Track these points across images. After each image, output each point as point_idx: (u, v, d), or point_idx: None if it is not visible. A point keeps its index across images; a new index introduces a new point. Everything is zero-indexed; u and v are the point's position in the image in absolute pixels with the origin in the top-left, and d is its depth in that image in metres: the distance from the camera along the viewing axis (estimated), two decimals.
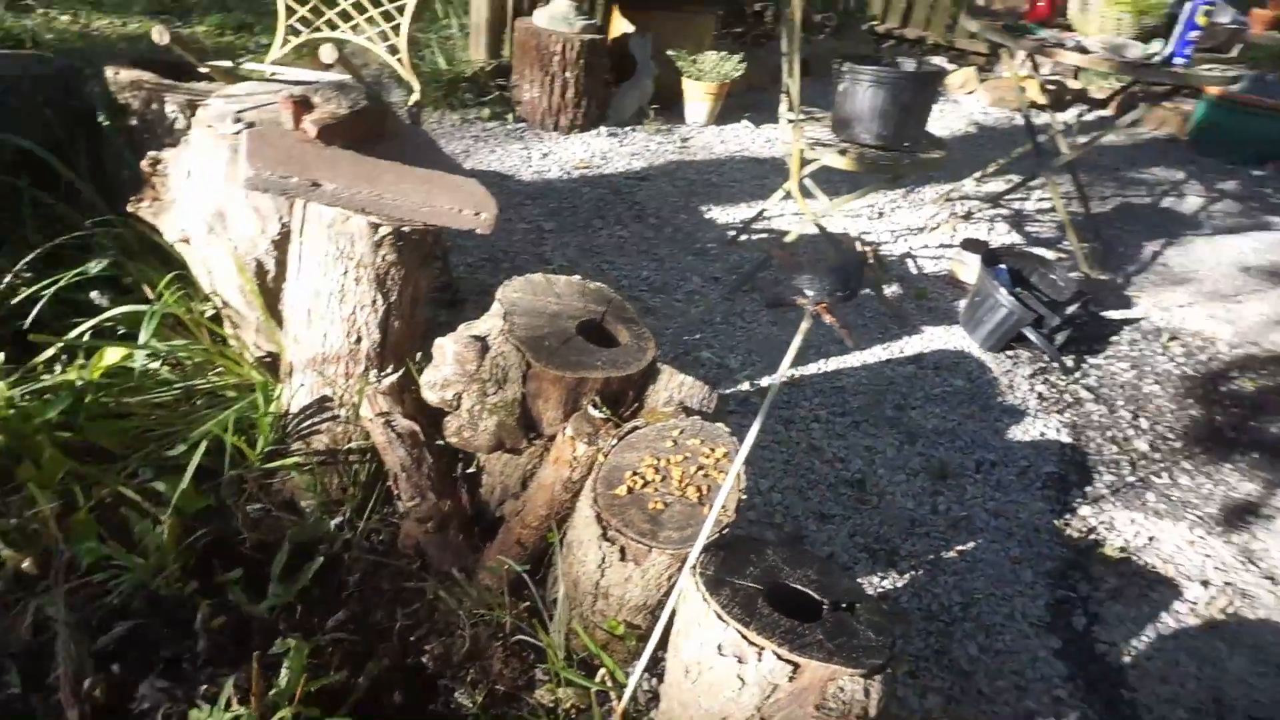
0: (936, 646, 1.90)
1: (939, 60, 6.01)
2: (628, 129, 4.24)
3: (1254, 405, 2.92)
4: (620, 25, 4.34)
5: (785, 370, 1.38)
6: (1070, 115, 5.61)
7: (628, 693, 1.55)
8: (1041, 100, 5.53)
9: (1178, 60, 2.93)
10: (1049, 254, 3.58)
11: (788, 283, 1.32)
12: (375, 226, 1.71)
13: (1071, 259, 3.57)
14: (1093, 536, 2.27)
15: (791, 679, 1.21)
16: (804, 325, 1.33)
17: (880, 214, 3.85)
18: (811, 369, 2.75)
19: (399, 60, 2.55)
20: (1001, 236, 3.80)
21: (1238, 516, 2.42)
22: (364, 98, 1.84)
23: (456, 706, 1.64)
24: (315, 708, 1.46)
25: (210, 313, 2.10)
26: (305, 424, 1.90)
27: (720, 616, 1.25)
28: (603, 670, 1.63)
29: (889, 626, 1.34)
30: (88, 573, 1.62)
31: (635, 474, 1.51)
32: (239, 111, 1.94)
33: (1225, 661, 1.98)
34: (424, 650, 1.72)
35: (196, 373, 2.05)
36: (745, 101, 4.83)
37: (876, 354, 2.88)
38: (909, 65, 2.84)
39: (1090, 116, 5.65)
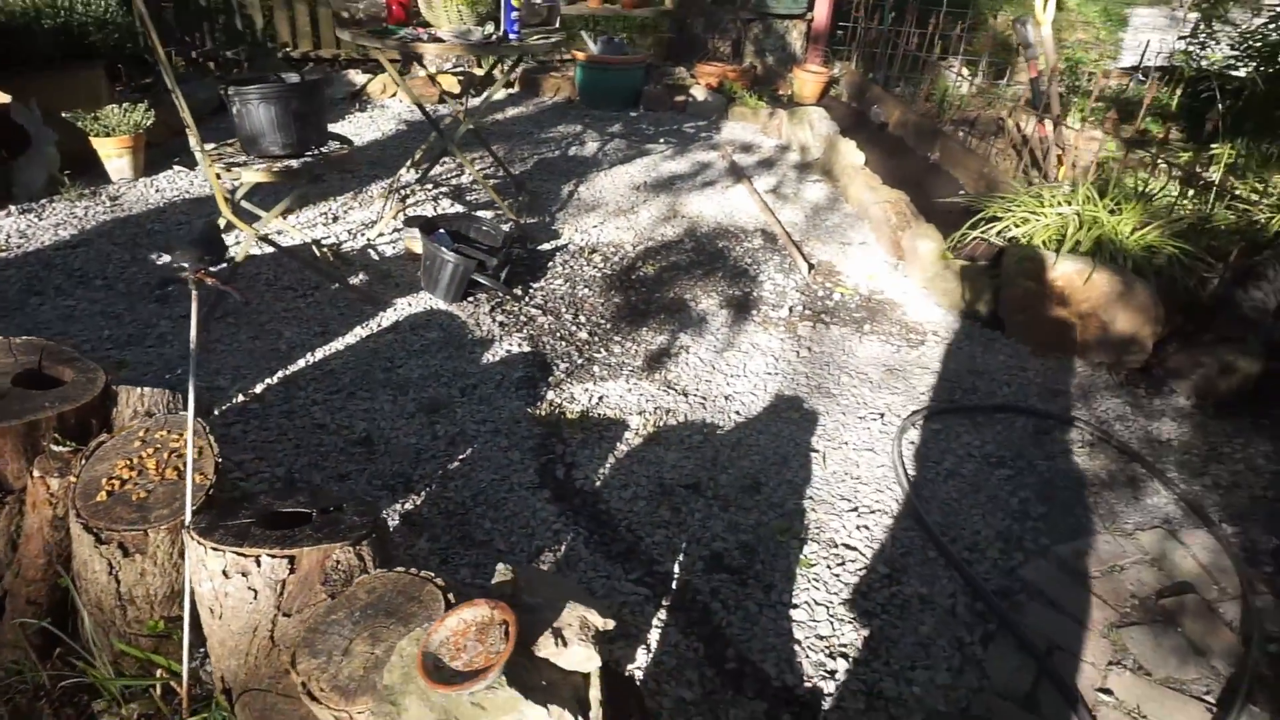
0: (459, 534, 2.30)
1: (356, 72, 6.41)
2: (43, 202, 3.96)
3: (655, 282, 3.79)
4: None
5: (194, 338, 1.59)
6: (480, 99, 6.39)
7: (185, 673, 1.69)
8: (455, 90, 6.24)
9: (511, 36, 3.62)
10: (484, 213, 4.19)
11: (169, 265, 1.55)
12: None
13: (500, 213, 4.20)
14: (559, 411, 2.85)
15: (293, 570, 1.48)
16: (194, 295, 1.55)
17: (335, 218, 4.14)
18: (300, 364, 2.96)
19: None
20: (447, 209, 4.32)
21: (656, 361, 3.19)
22: None
23: None
24: None
25: None
26: None
27: (215, 549, 1.46)
28: (160, 670, 1.74)
29: (373, 509, 1.66)
30: None
31: (111, 479, 1.64)
32: None
33: (663, 458, 2.67)
34: None
35: None
36: (173, 147, 4.76)
37: (358, 334, 3.18)
38: (293, 77, 3.14)
39: (501, 95, 6.50)
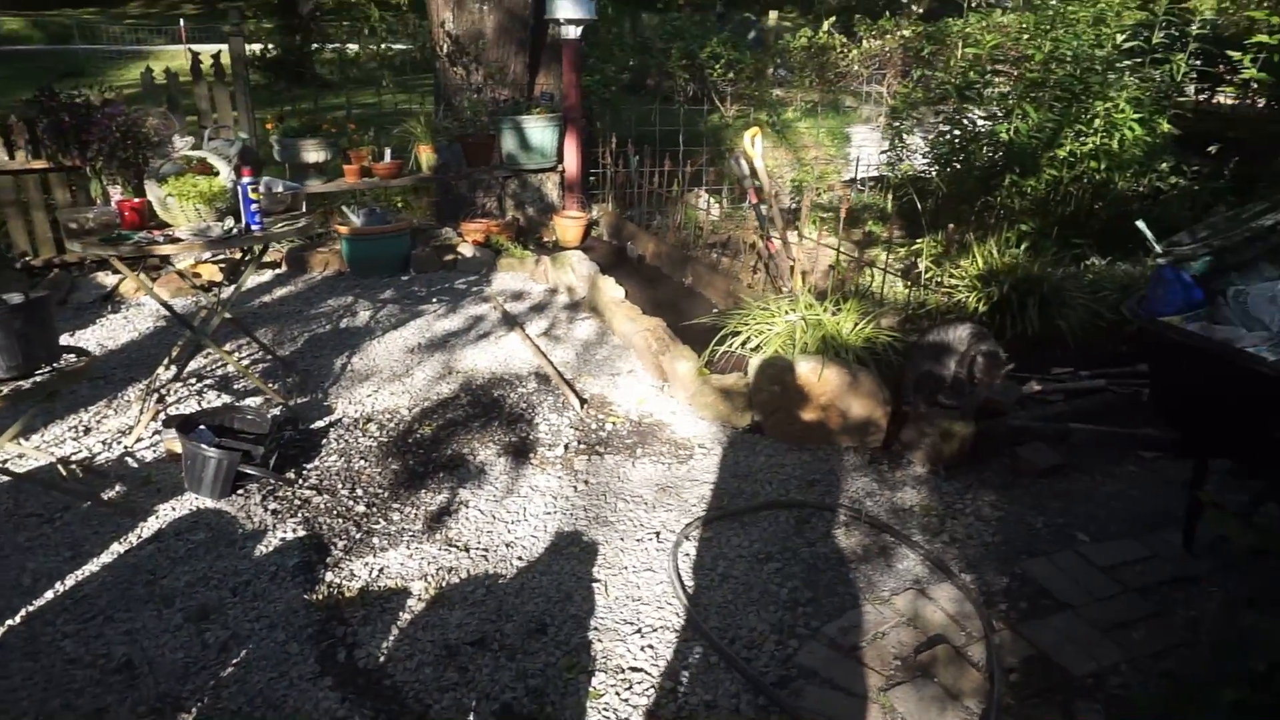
0: None
1: (106, 274, 6.20)
2: None
3: (433, 442, 3.86)
4: None
5: None
6: (232, 289, 6.35)
7: None
8: (218, 278, 6.17)
9: (254, 227, 3.71)
10: (251, 400, 4.13)
11: None
12: None
13: (267, 400, 4.16)
14: (338, 592, 2.81)
15: None
16: None
17: (87, 429, 3.94)
18: (48, 596, 2.77)
19: None
20: (212, 401, 4.21)
21: (436, 521, 3.23)
22: None
23: None
24: None
25: None
26: None
27: None
28: None
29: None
30: None
31: None
32: None
33: (447, 619, 2.69)
34: None
35: None
36: None
37: (115, 551, 3.02)
38: (16, 298, 3.05)
39: (268, 276, 6.47)
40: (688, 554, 3.06)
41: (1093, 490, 3.52)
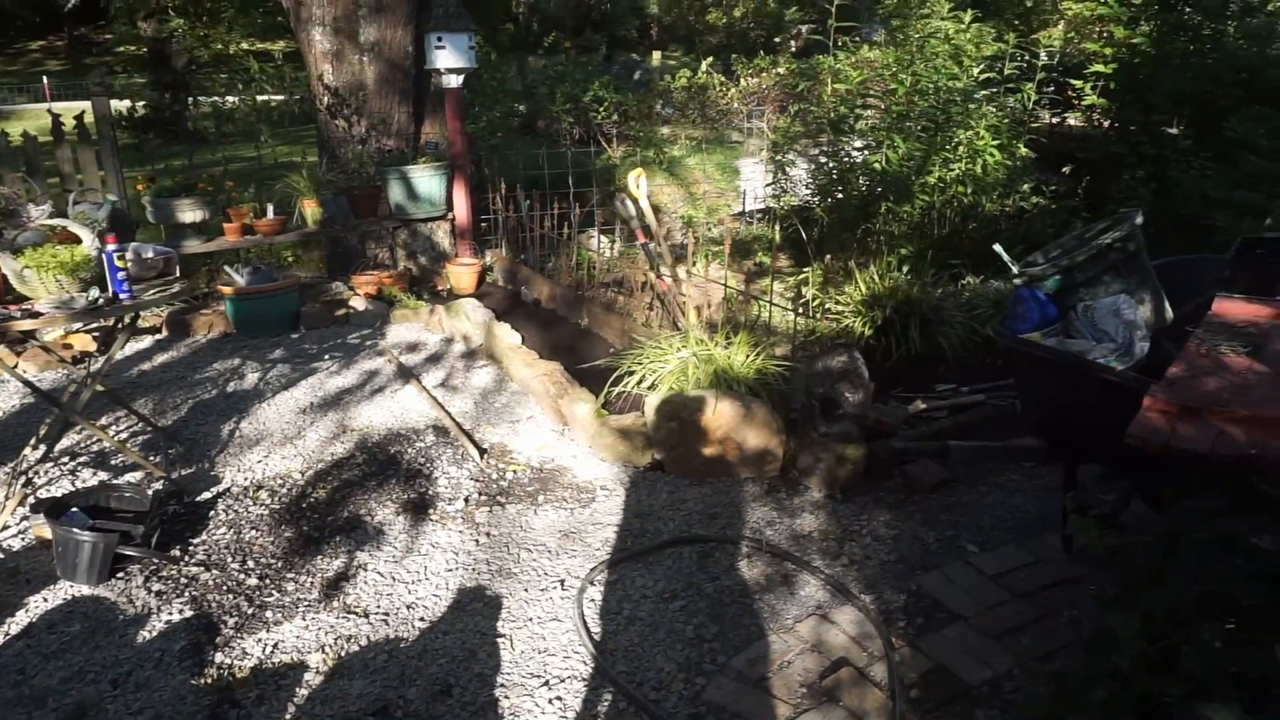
0: None
1: None
2: None
3: (328, 505, 3.75)
4: None
5: None
6: (102, 361, 6.07)
7: None
8: (91, 347, 5.87)
9: (122, 296, 3.56)
10: (130, 476, 3.94)
11: None
12: None
13: (146, 475, 3.97)
14: (229, 674, 2.69)
15: None
16: None
17: None
18: None
19: None
20: (89, 480, 3.99)
21: (334, 588, 3.13)
22: None
23: None
24: None
25: None
26: None
27: None
28: None
29: None
30: None
31: None
32: None
33: (347, 690, 2.60)
34: None
35: None
36: None
37: None
38: None
39: (148, 342, 6.19)
40: (593, 599, 3.05)
41: (978, 501, 3.67)
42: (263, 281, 6.31)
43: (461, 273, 7.01)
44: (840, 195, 7.04)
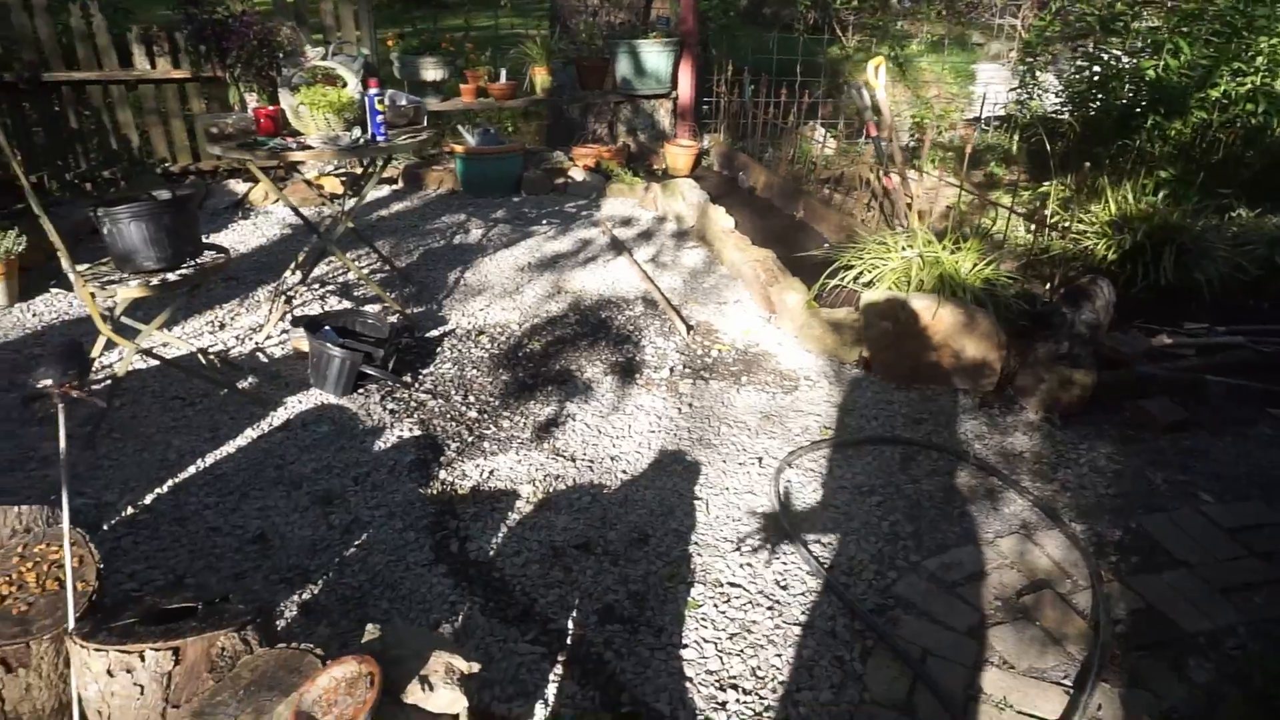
0: (357, 617, 2.35)
1: (237, 182, 6.48)
2: None
3: (542, 357, 3.94)
4: None
5: (63, 450, 1.66)
6: (355, 200, 6.54)
7: None
8: (339, 190, 6.37)
9: (379, 138, 3.80)
10: (370, 307, 4.29)
11: (32, 379, 1.62)
12: None
13: (386, 306, 4.32)
14: (451, 489, 2.94)
15: (178, 661, 1.54)
16: (61, 410, 1.63)
17: (222, 325, 4.18)
18: (190, 471, 2.99)
19: None
20: (334, 306, 4.40)
21: (544, 431, 3.33)
22: None
23: None
24: None
25: None
26: None
27: (98, 649, 1.51)
28: None
29: (258, 598, 1.73)
30: None
31: None
32: None
33: (553, 522, 2.79)
34: None
35: None
36: (49, 270, 4.72)
37: (249, 436, 3.22)
38: (164, 194, 3.22)
39: (385, 191, 6.65)
40: (789, 481, 3.07)
41: (1221, 450, 3.35)
42: (491, 144, 6.56)
43: (679, 153, 6.98)
44: (1097, 105, 6.36)
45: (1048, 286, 4.40)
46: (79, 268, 3.07)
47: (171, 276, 3.12)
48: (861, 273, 4.08)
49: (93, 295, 3.02)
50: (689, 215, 5.79)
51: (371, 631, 1.40)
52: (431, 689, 1.28)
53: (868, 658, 2.33)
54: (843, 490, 3.02)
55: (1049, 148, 6.20)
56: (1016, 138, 7.36)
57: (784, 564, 2.65)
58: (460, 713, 1.28)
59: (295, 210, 4.24)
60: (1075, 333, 3.69)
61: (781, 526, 2.80)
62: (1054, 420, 3.52)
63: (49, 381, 1.63)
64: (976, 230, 4.91)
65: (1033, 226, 5.13)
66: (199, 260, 3.24)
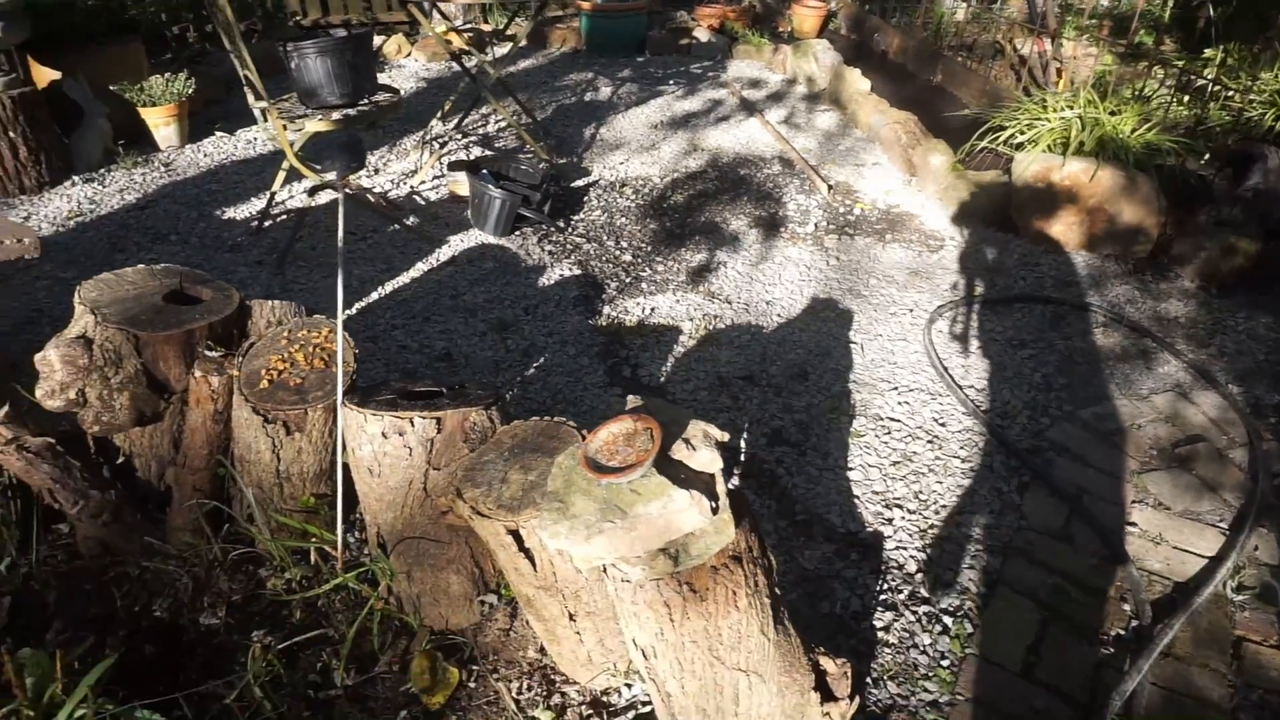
0: None
1: None
2: (102, 171, 4.18)
3: (686, 209, 4.02)
4: (45, 74, 4.20)
5: (341, 239, 1.84)
6: (506, 49, 6.56)
7: (339, 539, 1.97)
8: (466, 46, 6.41)
9: None
10: (518, 156, 4.41)
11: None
12: None
13: (533, 155, 4.42)
14: (617, 322, 3.10)
15: (439, 430, 1.74)
16: (341, 202, 1.80)
17: (376, 170, 4.36)
18: (374, 296, 3.21)
19: None
20: (477, 155, 4.52)
21: (698, 276, 3.44)
22: None
23: (206, 628, 1.91)
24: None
25: None
26: None
27: (375, 414, 1.72)
28: (313, 538, 2.01)
29: (494, 385, 1.92)
30: None
31: (268, 370, 1.90)
32: None
33: (716, 355, 2.93)
34: (152, 611, 1.94)
35: None
36: (211, 115, 4.96)
37: (420, 269, 3.42)
38: (340, 32, 3.34)
39: (507, 48, 6.65)
40: (941, 330, 3.13)
41: None
42: (617, 1, 6.46)
43: (806, 14, 6.76)
44: None
45: (1204, 159, 4.23)
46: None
47: (352, 112, 3.27)
48: (1013, 134, 3.99)
49: (284, 127, 3.19)
50: (820, 78, 5.67)
51: (633, 400, 1.56)
52: (693, 449, 1.44)
53: (1024, 491, 2.44)
54: (994, 343, 3.08)
55: (1211, 11, 5.79)
56: (1169, 4, 6.87)
57: (940, 405, 2.75)
58: (715, 472, 1.44)
59: (455, 57, 4.34)
60: (1240, 197, 3.58)
61: (936, 373, 2.88)
62: (1211, 289, 3.47)
63: (332, 175, 1.78)
64: (1134, 96, 4.70)
65: (1185, 97, 4.87)
66: (374, 99, 3.37)
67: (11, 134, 3.79)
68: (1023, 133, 3.95)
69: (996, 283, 3.47)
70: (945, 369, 2.89)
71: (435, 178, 4.22)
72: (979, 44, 6.52)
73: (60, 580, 1.99)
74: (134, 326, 1.91)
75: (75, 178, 4.08)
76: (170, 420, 2.06)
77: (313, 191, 3.54)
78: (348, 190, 1.77)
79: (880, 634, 2.00)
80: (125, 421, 1.97)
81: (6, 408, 1.94)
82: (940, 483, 2.45)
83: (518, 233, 3.71)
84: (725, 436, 1.49)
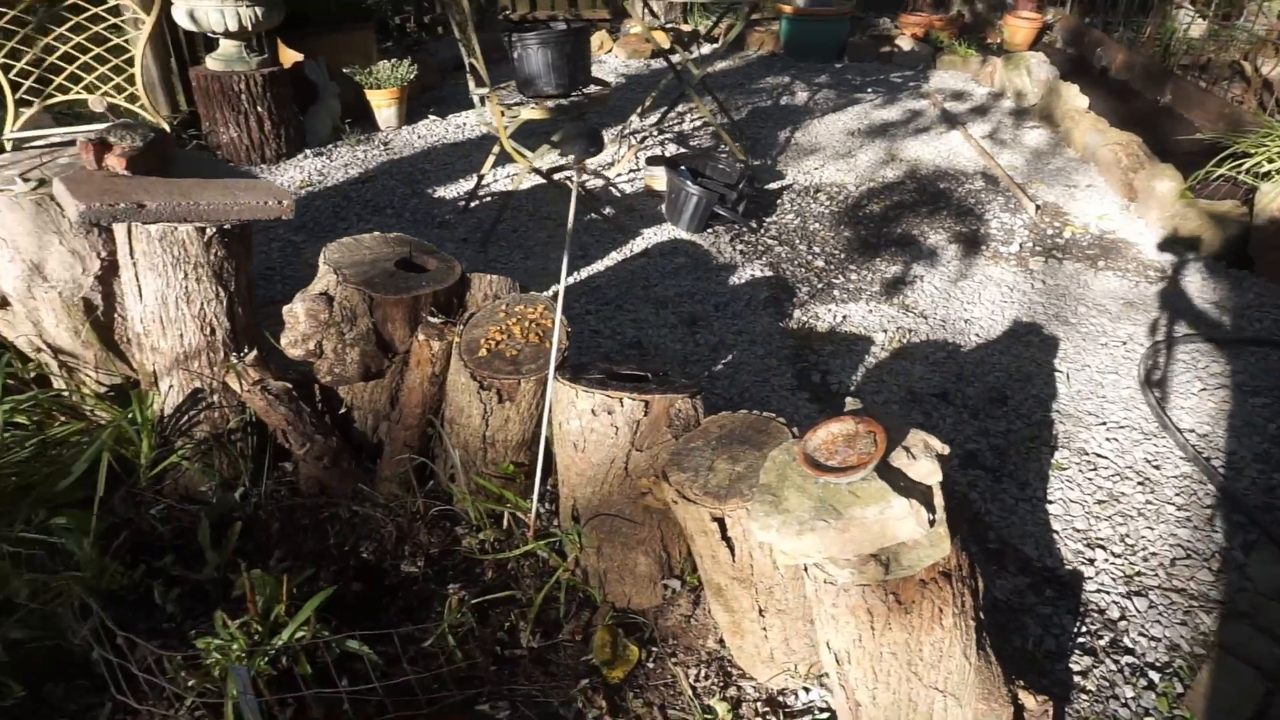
0: None
1: None
2: (330, 146, 4.54)
3: (882, 219, 3.92)
4: (290, 55, 4.60)
5: (570, 222, 1.91)
6: (712, 49, 6.64)
7: (534, 507, 2.05)
8: (667, 44, 6.51)
9: None
10: (715, 154, 4.44)
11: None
12: (201, 230, 2.02)
13: (729, 154, 4.44)
14: (807, 327, 3.07)
15: (646, 413, 1.77)
16: (574, 185, 1.86)
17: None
18: (569, 282, 3.32)
19: (141, 106, 2.76)
20: (672, 152, 4.59)
21: (892, 287, 3.35)
22: (150, 131, 2.12)
23: (406, 575, 2.04)
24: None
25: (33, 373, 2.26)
26: (184, 419, 2.16)
27: (586, 391, 1.78)
28: (508, 504, 2.10)
29: (696, 376, 1.94)
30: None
31: (487, 340, 2.00)
32: (22, 174, 2.13)
33: (909, 370, 2.84)
34: (359, 552, 2.09)
35: (43, 426, 2.20)
36: (425, 100, 5.29)
37: (614, 258, 3.51)
38: (560, 25, 3.47)
39: (706, 50, 6.71)
40: (1158, 367, 2.91)
41: None
42: (820, 5, 6.38)
43: (1019, 26, 6.44)
44: None
45: None
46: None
47: (564, 102, 3.39)
48: (1260, 162, 3.64)
49: (501, 113, 3.35)
50: (1032, 92, 5.39)
51: (852, 403, 1.54)
52: (914, 458, 1.40)
53: (1250, 550, 2.22)
54: (1221, 388, 2.82)
55: None
56: None
57: (1155, 446, 2.55)
58: (934, 485, 1.39)
59: (663, 53, 4.41)
60: None
61: (1152, 411, 2.68)
62: None
63: (570, 158, 1.85)
64: None
65: None
66: (586, 90, 3.49)
67: (260, 109, 4.18)
68: (1271, 160, 3.60)
69: (1226, 323, 3.19)
70: (1163, 408, 2.68)
71: (631, 171, 4.31)
72: (1215, 63, 6.00)
73: (283, 513, 2.17)
74: (369, 288, 2.06)
75: (307, 150, 4.44)
76: (390, 378, 2.20)
77: (548, 174, 3.68)
78: (584, 175, 1.83)
79: (1077, 678, 1.88)
80: (353, 375, 2.13)
81: (255, 351, 2.13)
82: (1151, 529, 2.27)
83: (710, 230, 3.74)
84: (946, 449, 1.45)
